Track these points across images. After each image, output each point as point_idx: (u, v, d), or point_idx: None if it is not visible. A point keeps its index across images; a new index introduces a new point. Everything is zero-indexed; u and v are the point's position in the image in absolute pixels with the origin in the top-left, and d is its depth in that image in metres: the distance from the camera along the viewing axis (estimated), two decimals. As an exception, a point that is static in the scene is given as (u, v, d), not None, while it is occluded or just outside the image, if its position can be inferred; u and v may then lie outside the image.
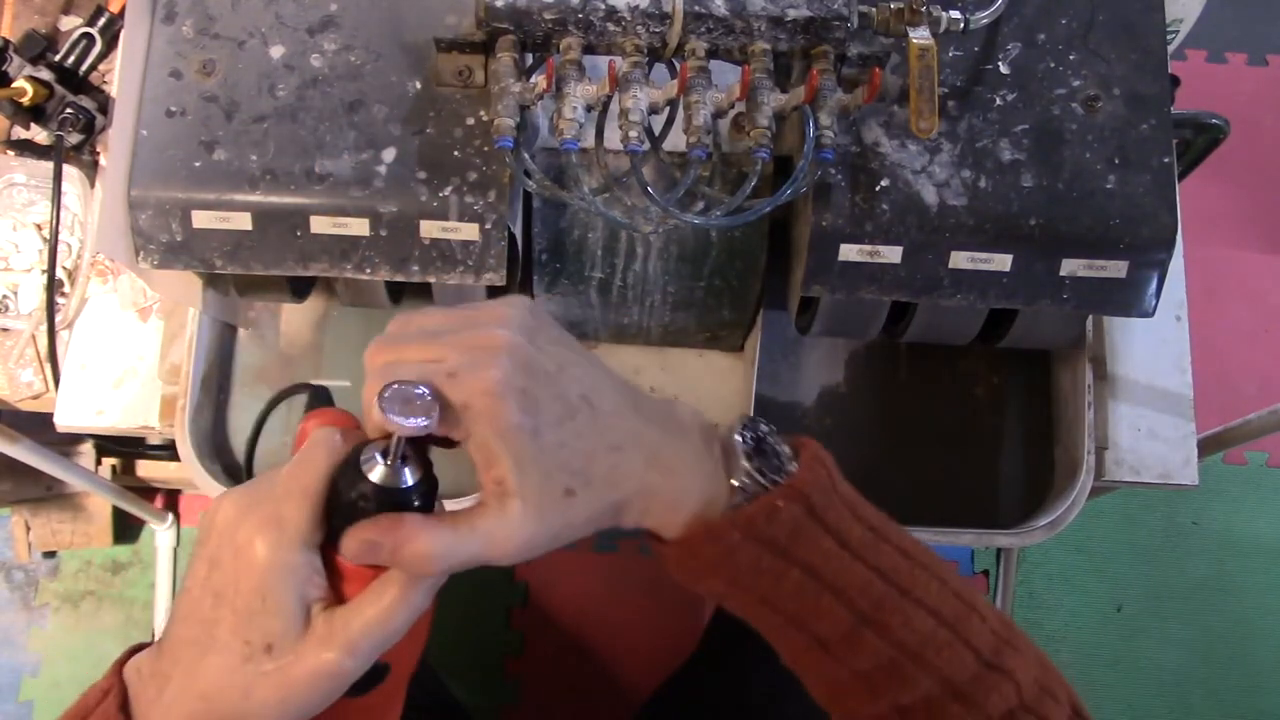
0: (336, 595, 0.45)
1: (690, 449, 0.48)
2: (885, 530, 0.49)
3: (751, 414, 0.53)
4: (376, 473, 0.43)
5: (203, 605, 0.43)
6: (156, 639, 0.46)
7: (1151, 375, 0.87)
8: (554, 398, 0.44)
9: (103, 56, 0.97)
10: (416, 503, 0.44)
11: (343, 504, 0.43)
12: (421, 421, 0.41)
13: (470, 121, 0.70)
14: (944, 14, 0.67)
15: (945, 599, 0.48)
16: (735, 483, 0.48)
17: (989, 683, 0.47)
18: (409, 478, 0.43)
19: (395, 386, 0.42)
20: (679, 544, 0.48)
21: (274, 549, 0.43)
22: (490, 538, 0.43)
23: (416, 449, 0.44)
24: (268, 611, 0.42)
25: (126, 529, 1.48)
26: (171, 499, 1.49)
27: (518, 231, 0.74)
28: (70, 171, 0.94)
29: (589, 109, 0.66)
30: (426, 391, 0.42)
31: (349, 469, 0.44)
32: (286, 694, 0.42)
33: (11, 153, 0.96)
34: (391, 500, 0.43)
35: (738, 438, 0.49)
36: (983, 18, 0.69)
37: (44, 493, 1.36)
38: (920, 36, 0.65)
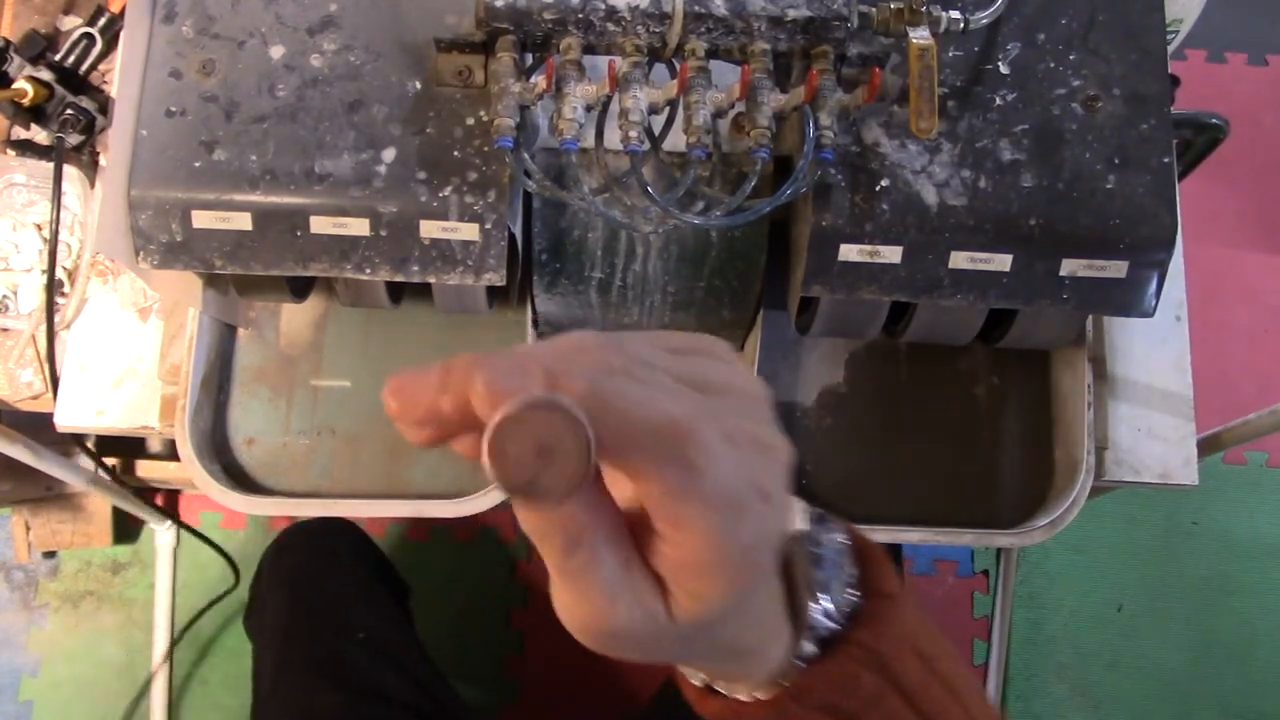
0: None
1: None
2: (953, 681, 0.40)
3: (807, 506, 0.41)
4: None
5: None
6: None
7: (1151, 375, 0.87)
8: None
9: (103, 56, 0.97)
10: None
11: None
12: None
13: (470, 121, 0.70)
14: (944, 14, 0.67)
15: None
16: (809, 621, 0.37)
17: None
18: None
19: None
20: (728, 705, 0.39)
21: None
22: None
23: None
24: None
25: (126, 529, 1.48)
26: (171, 499, 1.49)
27: (518, 231, 0.74)
28: (70, 171, 0.94)
29: (589, 109, 0.66)
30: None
31: None
32: None
33: (12, 153, 0.95)
34: None
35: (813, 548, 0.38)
36: (983, 18, 0.69)
37: (44, 493, 1.36)
38: (920, 36, 0.65)
